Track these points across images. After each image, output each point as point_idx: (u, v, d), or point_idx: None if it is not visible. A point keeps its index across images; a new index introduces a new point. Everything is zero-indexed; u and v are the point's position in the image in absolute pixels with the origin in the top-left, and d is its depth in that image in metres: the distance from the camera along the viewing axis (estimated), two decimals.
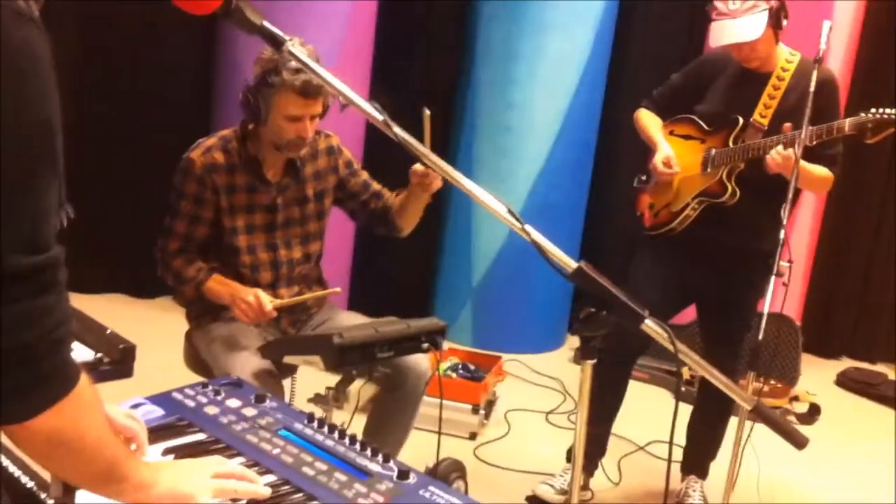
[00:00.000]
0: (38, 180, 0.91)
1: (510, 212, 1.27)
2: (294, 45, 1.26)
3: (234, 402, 1.59)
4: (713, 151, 2.96)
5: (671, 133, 3.08)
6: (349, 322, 2.54)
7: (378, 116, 1.25)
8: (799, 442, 1.23)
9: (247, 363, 2.31)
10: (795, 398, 4.35)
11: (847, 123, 2.65)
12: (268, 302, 2.39)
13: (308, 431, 1.52)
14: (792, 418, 4.26)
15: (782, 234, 2.56)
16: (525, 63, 4.42)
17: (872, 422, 4.48)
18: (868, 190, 5.04)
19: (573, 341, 4.92)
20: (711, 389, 3.15)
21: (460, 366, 3.91)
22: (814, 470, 3.69)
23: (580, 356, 1.31)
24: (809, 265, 4.96)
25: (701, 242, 2.98)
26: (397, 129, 1.25)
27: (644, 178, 3.17)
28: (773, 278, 2.50)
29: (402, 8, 4.59)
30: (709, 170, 2.96)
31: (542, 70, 4.43)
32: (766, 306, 2.52)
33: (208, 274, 2.46)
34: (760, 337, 2.46)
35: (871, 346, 5.23)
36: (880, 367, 5.08)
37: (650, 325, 1.23)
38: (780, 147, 2.72)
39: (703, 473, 3.30)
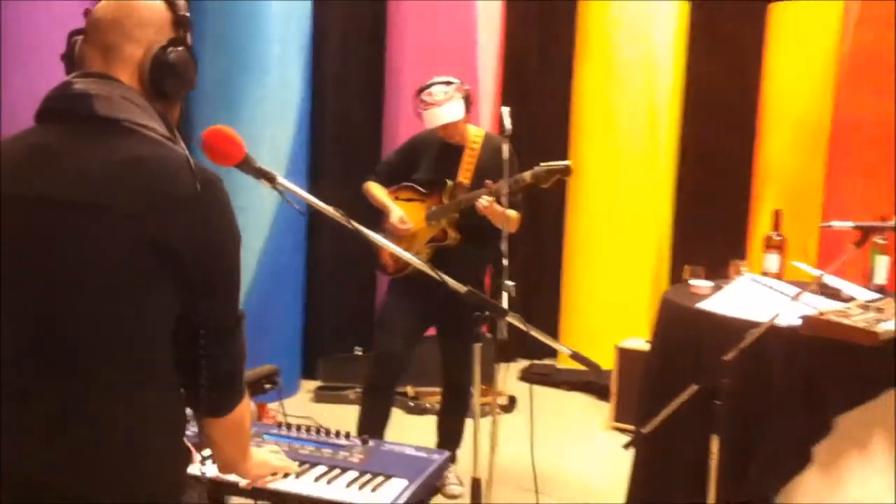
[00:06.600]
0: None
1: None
2: (282, 179, 1.80)
3: None
4: (433, 208, 3.88)
5: (397, 198, 3.95)
6: None
7: (340, 218, 1.90)
8: (598, 371, 2.14)
9: None
10: (498, 394, 5.43)
11: (529, 175, 3.69)
12: None
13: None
14: (498, 409, 5.31)
15: (504, 262, 3.51)
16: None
17: (557, 402, 5.76)
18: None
19: (307, 385, 5.66)
20: (455, 392, 4.09)
21: None
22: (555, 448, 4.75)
23: (474, 340, 2.11)
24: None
25: (433, 278, 3.86)
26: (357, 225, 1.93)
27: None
28: (504, 296, 3.44)
29: None
30: (433, 223, 3.87)
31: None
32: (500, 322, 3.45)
33: None
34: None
35: (536, 347, 6.53)
36: (547, 361, 6.42)
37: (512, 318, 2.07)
38: (484, 198, 3.71)
39: (454, 459, 4.18)
